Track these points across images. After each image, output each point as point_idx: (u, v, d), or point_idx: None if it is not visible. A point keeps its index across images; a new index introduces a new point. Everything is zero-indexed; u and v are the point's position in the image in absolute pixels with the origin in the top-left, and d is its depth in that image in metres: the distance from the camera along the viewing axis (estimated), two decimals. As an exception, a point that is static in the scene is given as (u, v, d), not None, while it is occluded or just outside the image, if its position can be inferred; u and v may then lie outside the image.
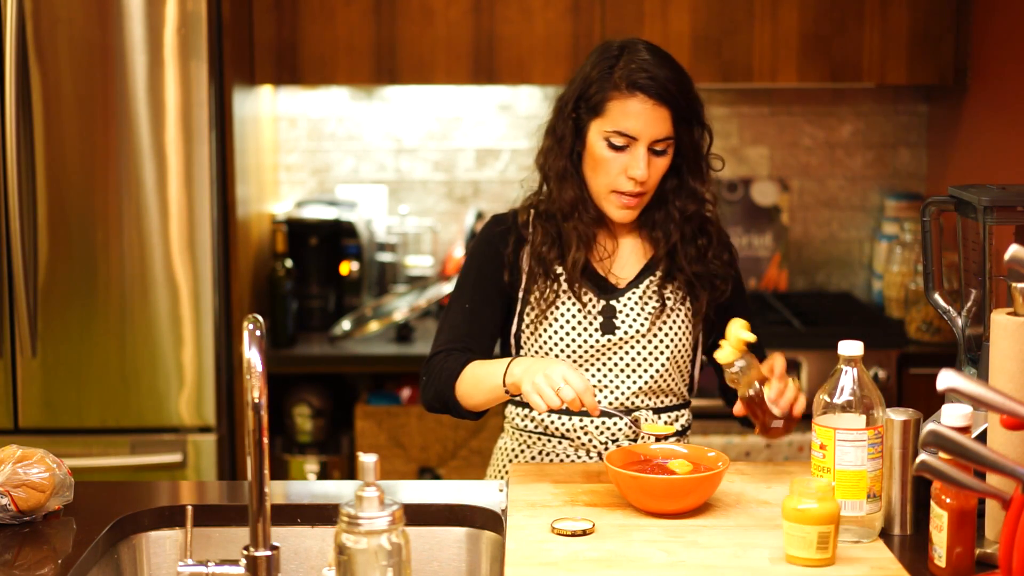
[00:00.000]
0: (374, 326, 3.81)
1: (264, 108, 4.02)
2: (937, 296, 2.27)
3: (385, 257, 4.18)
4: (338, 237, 4.02)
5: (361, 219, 4.09)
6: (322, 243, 4.01)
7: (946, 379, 1.68)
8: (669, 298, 2.41)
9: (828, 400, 1.99)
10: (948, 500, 1.85)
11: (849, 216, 4.29)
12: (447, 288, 3.88)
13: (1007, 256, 1.78)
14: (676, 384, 2.43)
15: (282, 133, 4.24)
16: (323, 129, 4.24)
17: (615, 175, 2.34)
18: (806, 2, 3.81)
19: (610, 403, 2.40)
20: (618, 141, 2.32)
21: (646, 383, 2.39)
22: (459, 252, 4.13)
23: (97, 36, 3.36)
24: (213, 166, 3.43)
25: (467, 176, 4.26)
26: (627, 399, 2.40)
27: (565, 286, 2.40)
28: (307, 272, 4.00)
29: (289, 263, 3.89)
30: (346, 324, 3.86)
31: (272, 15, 3.79)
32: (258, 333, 1.77)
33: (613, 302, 2.40)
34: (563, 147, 2.40)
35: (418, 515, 2.17)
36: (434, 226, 4.25)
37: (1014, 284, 1.92)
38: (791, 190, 4.27)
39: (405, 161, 4.26)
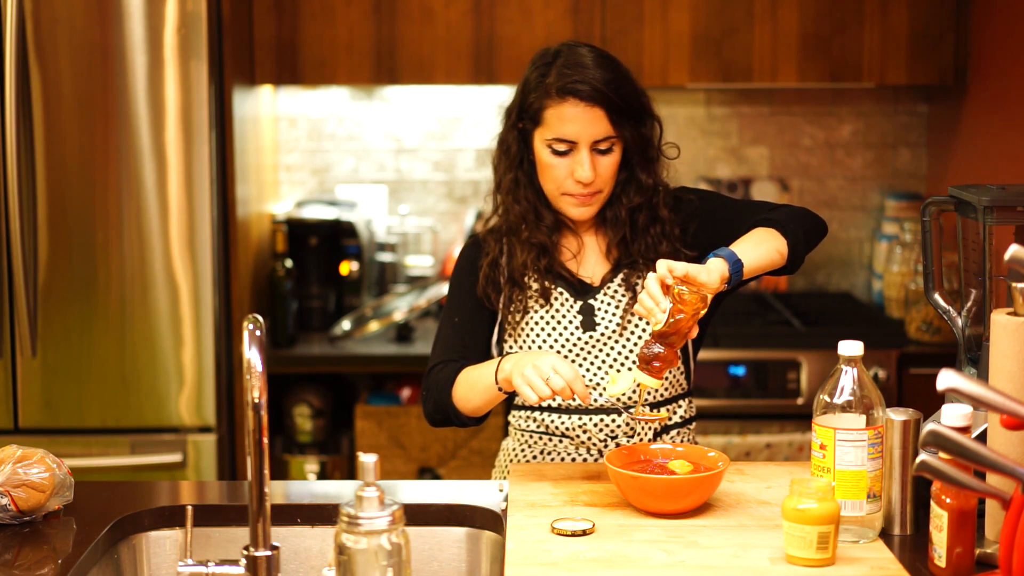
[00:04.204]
0: (374, 326, 3.81)
1: (264, 108, 4.02)
2: (937, 296, 2.27)
3: (385, 257, 4.18)
4: (338, 237, 4.02)
5: (361, 219, 4.09)
6: (322, 243, 4.00)
7: (946, 379, 1.67)
8: (637, 283, 2.42)
9: (828, 400, 1.99)
10: (948, 500, 1.85)
11: (849, 216, 4.29)
12: (447, 288, 3.88)
13: (1007, 256, 1.78)
14: (669, 373, 2.43)
15: (282, 133, 4.24)
16: (323, 129, 4.24)
17: (563, 179, 2.37)
18: (806, 2, 3.82)
19: (607, 400, 2.40)
20: (560, 147, 2.35)
21: (633, 379, 2.39)
22: (459, 252, 4.12)
23: (97, 36, 3.36)
24: (213, 166, 3.43)
25: (467, 176, 4.26)
26: (618, 396, 2.40)
27: (539, 291, 2.43)
28: (307, 272, 4.00)
29: (289, 263, 3.89)
30: (346, 324, 3.86)
31: (272, 15, 3.80)
32: (258, 333, 1.77)
33: (591, 300, 2.42)
34: (511, 158, 2.44)
35: (418, 515, 2.18)
36: (434, 226, 4.25)
37: (1014, 284, 1.92)
38: (791, 190, 4.27)
39: (405, 161, 4.26)
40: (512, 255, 2.45)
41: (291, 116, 4.24)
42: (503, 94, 4.18)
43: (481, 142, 4.24)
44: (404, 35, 3.82)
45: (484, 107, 4.22)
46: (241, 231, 3.60)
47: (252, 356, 1.76)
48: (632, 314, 2.40)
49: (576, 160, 2.35)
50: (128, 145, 3.38)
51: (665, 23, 3.81)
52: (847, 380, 1.98)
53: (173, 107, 3.38)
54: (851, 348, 1.98)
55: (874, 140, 4.26)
